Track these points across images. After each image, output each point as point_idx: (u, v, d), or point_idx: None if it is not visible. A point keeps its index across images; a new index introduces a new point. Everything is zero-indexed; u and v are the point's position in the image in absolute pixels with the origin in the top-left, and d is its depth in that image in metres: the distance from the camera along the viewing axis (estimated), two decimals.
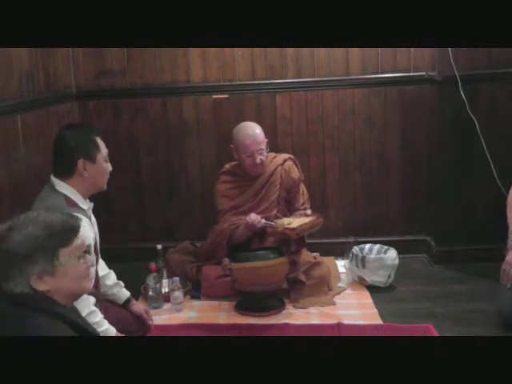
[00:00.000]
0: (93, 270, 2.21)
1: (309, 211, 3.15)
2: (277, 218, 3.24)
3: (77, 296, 1.63)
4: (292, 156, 3.41)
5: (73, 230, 1.56)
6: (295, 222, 3.00)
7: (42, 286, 1.50)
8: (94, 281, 2.23)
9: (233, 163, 3.39)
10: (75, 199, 2.21)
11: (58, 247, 1.51)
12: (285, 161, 3.34)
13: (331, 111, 3.71)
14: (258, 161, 3.19)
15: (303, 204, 3.32)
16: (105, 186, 2.35)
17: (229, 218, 3.28)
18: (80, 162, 2.22)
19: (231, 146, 3.28)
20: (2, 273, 1.49)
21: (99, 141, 2.29)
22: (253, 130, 3.22)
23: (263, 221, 3.09)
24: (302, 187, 3.36)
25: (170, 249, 3.50)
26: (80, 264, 1.56)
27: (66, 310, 1.54)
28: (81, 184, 2.24)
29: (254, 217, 3.09)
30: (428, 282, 3.35)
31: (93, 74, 3.73)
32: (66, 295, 1.56)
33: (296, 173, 3.34)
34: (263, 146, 3.22)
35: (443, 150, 3.49)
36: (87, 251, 1.61)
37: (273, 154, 3.38)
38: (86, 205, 2.27)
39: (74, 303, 1.76)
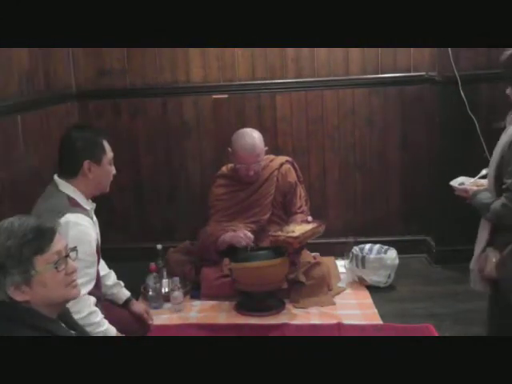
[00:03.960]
0: (94, 270, 2.22)
1: (310, 218, 3.13)
2: (271, 221, 3.25)
3: (60, 305, 1.56)
4: (290, 159, 3.40)
5: (47, 235, 1.48)
6: (296, 229, 2.97)
7: (20, 297, 1.44)
8: (95, 281, 2.24)
9: (229, 165, 3.38)
10: (78, 199, 2.23)
11: (33, 256, 1.44)
12: (281, 164, 3.32)
13: (331, 111, 3.71)
14: (252, 173, 3.18)
15: (300, 207, 3.30)
16: (107, 188, 2.38)
17: (218, 218, 3.28)
18: (86, 163, 2.24)
19: (228, 149, 3.26)
20: None
21: (106, 144, 2.32)
22: (252, 141, 3.16)
23: (251, 242, 3.07)
24: (300, 190, 3.34)
25: (169, 249, 3.50)
26: (59, 272, 1.49)
27: (48, 322, 1.49)
28: (84, 185, 2.26)
29: (247, 235, 3.08)
30: (428, 281, 3.35)
31: (93, 74, 3.73)
32: (48, 304, 1.50)
33: (293, 176, 3.32)
34: (260, 157, 3.18)
35: (443, 150, 3.49)
36: (68, 255, 1.53)
37: (271, 157, 3.36)
38: (89, 205, 2.29)
39: (72, 303, 1.75)
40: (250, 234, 3.10)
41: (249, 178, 3.21)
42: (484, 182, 2.40)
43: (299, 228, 2.98)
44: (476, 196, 2.26)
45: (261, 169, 3.23)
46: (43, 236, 1.47)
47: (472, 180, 2.46)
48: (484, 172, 2.44)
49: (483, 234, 2.26)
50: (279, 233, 2.97)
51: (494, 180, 2.17)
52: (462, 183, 2.45)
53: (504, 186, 2.10)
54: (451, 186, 2.47)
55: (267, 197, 3.27)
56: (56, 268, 1.48)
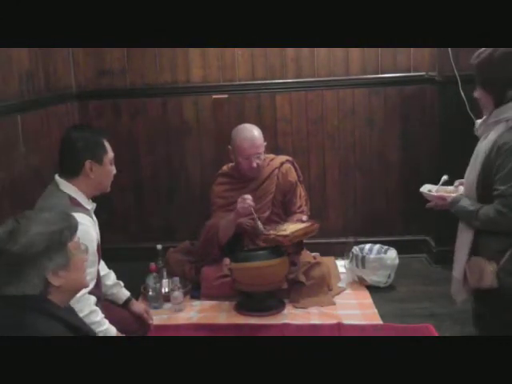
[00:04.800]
0: (94, 269, 2.22)
1: (304, 217, 3.13)
2: (270, 219, 3.24)
3: (76, 292, 1.66)
4: (290, 158, 3.40)
5: (73, 224, 1.61)
6: (289, 228, 2.97)
7: (57, 282, 1.52)
8: (95, 280, 2.24)
9: (230, 164, 3.38)
10: (79, 199, 2.23)
11: (68, 241, 1.56)
12: (282, 164, 3.32)
13: (331, 111, 3.72)
14: (255, 165, 3.18)
15: (300, 207, 3.30)
16: (108, 188, 2.39)
17: (219, 215, 3.27)
18: (87, 163, 2.24)
19: (229, 147, 3.27)
20: (3, 277, 1.48)
21: (106, 143, 2.33)
22: (251, 134, 3.19)
23: (252, 208, 3.01)
24: (300, 189, 3.34)
25: (169, 249, 3.50)
26: (84, 255, 1.64)
27: (61, 310, 1.55)
28: (85, 185, 2.26)
29: (244, 198, 3.01)
30: (428, 281, 3.35)
31: (93, 74, 3.73)
32: (72, 291, 1.61)
33: (293, 176, 3.32)
34: (261, 149, 3.20)
35: (443, 150, 3.49)
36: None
37: (271, 156, 3.37)
38: (90, 205, 2.29)
39: (74, 302, 1.75)
40: (248, 196, 3.03)
41: (252, 171, 3.21)
42: (451, 188, 2.36)
43: (292, 227, 2.98)
44: (457, 203, 2.18)
45: (262, 163, 3.23)
46: (71, 225, 1.60)
47: (436, 187, 2.40)
48: (445, 178, 2.42)
49: (465, 239, 2.18)
50: (271, 231, 2.97)
51: (476, 188, 2.12)
52: (430, 191, 2.39)
53: (496, 193, 2.04)
54: (422, 194, 2.40)
55: (267, 195, 3.27)
56: (86, 251, 1.65)
